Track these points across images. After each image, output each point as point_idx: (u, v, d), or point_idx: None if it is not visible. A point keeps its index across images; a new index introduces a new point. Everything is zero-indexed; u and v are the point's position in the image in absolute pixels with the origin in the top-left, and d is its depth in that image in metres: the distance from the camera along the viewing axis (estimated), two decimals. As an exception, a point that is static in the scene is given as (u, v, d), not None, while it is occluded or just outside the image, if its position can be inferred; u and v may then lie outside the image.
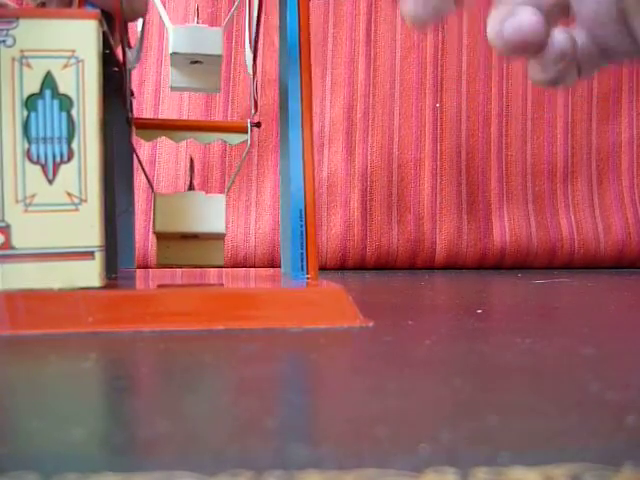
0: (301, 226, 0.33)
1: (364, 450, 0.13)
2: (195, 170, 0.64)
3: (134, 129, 0.34)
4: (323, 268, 0.65)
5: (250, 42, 0.37)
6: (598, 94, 0.71)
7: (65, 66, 0.27)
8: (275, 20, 0.35)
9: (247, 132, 0.35)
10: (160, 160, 0.65)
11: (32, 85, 0.26)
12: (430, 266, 0.67)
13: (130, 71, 0.34)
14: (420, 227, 0.66)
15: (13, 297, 0.26)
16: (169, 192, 0.63)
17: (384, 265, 0.67)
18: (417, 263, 0.67)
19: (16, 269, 0.26)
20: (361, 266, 0.66)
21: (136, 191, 0.64)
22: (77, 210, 0.27)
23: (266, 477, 0.12)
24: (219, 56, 0.34)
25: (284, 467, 0.12)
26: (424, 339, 0.25)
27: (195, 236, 0.33)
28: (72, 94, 0.27)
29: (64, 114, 0.27)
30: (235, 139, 0.35)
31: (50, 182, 0.27)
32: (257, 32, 0.36)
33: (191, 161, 0.37)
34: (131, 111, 0.35)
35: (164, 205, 0.33)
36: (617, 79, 0.71)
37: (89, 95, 0.27)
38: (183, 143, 0.65)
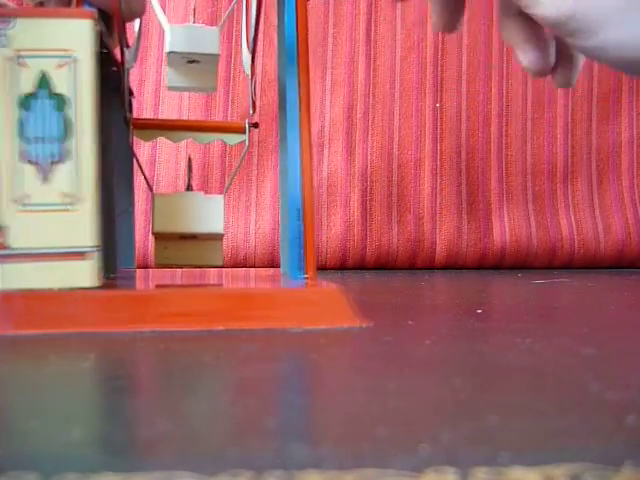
0: (299, 226, 0.33)
1: (364, 450, 0.13)
2: (193, 170, 0.64)
3: (132, 129, 0.34)
4: (323, 268, 0.65)
5: (247, 42, 0.37)
6: (598, 94, 0.71)
7: (60, 66, 0.27)
8: (275, 19, 0.35)
9: (245, 132, 0.35)
10: (160, 160, 0.65)
11: (27, 85, 0.26)
12: (430, 266, 0.67)
13: (128, 71, 0.34)
14: (420, 227, 0.66)
15: (10, 297, 0.26)
16: (168, 192, 0.63)
17: (384, 265, 0.67)
18: (417, 263, 0.67)
19: (13, 269, 0.26)
20: (361, 266, 0.66)
21: (136, 191, 0.64)
22: (72, 210, 0.27)
23: (266, 477, 0.12)
24: (216, 55, 0.34)
25: (284, 467, 0.12)
26: (424, 339, 0.25)
27: (194, 236, 0.33)
28: (67, 94, 0.27)
29: (59, 114, 0.27)
30: (234, 139, 0.35)
31: (45, 182, 0.26)
32: (256, 32, 0.36)
33: (189, 161, 0.37)
34: (130, 111, 0.35)
35: (163, 205, 0.33)
36: (617, 79, 0.71)
37: (84, 94, 0.27)
38: (183, 143, 0.65)
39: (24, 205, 0.26)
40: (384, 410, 0.16)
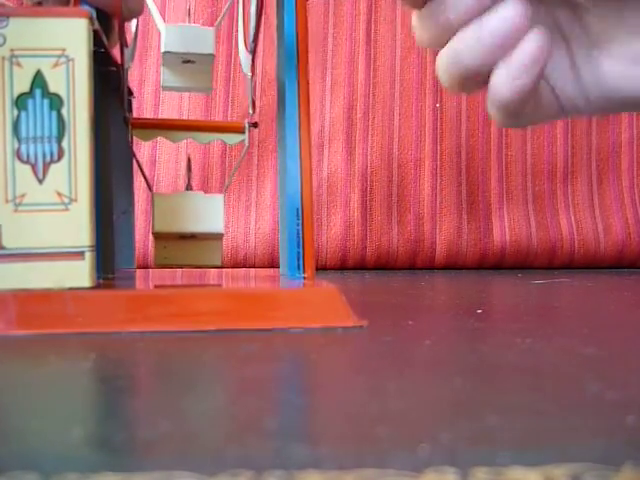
0: (298, 225, 0.33)
1: (364, 450, 0.13)
2: (193, 170, 0.64)
3: (131, 129, 0.34)
4: (323, 268, 0.65)
5: (246, 42, 0.37)
6: (598, 94, 0.71)
7: (55, 65, 0.27)
8: (275, 19, 0.35)
9: (244, 132, 0.35)
10: (160, 160, 0.65)
11: (22, 84, 0.26)
12: (430, 266, 0.67)
13: (127, 70, 0.34)
14: (420, 227, 0.66)
15: (4, 297, 0.26)
16: (167, 192, 0.63)
17: (384, 265, 0.67)
18: (417, 263, 0.67)
19: (6, 269, 0.26)
20: (361, 266, 0.66)
21: (136, 191, 0.64)
22: (67, 210, 0.27)
23: (266, 477, 0.12)
24: (211, 55, 0.34)
25: (284, 467, 0.12)
26: (424, 339, 0.25)
27: (193, 236, 0.33)
28: (62, 93, 0.27)
29: (54, 113, 0.27)
30: (233, 139, 0.35)
31: (40, 182, 0.26)
32: (257, 32, 0.36)
33: (188, 161, 0.37)
34: (130, 111, 0.35)
35: (162, 205, 0.33)
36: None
37: (79, 94, 0.27)
38: (183, 143, 0.65)
39: (19, 205, 0.26)
40: (384, 410, 0.16)
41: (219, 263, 0.34)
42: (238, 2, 0.38)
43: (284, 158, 0.33)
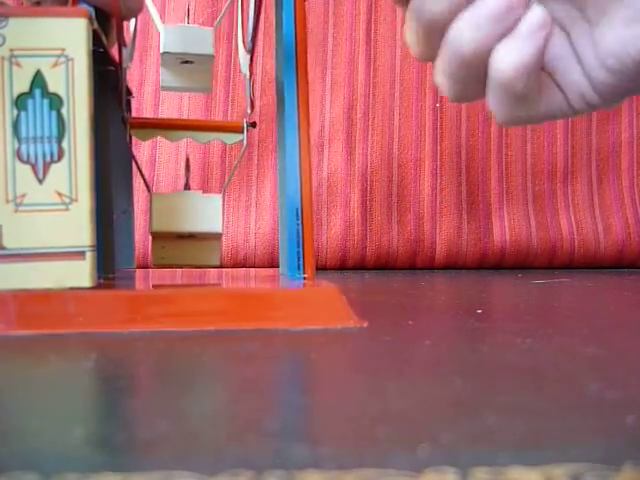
0: (297, 225, 0.33)
1: (364, 450, 0.13)
2: (193, 170, 0.64)
3: (129, 129, 0.34)
4: (323, 268, 0.65)
5: (244, 42, 0.37)
6: (598, 94, 0.71)
7: (55, 65, 0.27)
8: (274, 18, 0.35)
9: (243, 132, 0.35)
10: (160, 160, 0.65)
11: (22, 84, 0.26)
12: (430, 266, 0.67)
13: (126, 70, 0.34)
14: (420, 227, 0.66)
15: (3, 297, 0.26)
16: (166, 192, 0.63)
17: (384, 265, 0.67)
18: (417, 263, 0.67)
19: (6, 269, 0.26)
20: (361, 266, 0.66)
21: (136, 191, 0.64)
22: (67, 210, 0.27)
23: (266, 477, 0.12)
24: (210, 56, 0.34)
25: (284, 467, 0.12)
26: (424, 339, 0.25)
27: (191, 236, 0.33)
28: (62, 93, 0.27)
29: (54, 113, 0.27)
30: (232, 138, 0.35)
31: (40, 182, 0.26)
32: (255, 31, 0.36)
33: (187, 160, 0.37)
34: (129, 111, 0.35)
35: (161, 205, 0.33)
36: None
37: (79, 94, 0.27)
38: (183, 143, 0.65)
39: (19, 205, 0.26)
40: (384, 410, 0.16)
41: (218, 263, 0.34)
42: (237, 2, 0.38)
43: (284, 158, 0.33)
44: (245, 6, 0.37)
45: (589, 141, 0.71)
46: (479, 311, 0.32)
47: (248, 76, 0.36)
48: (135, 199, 0.64)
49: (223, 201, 0.33)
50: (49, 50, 0.27)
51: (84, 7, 0.28)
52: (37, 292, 0.26)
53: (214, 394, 0.18)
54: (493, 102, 0.34)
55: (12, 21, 0.26)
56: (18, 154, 0.26)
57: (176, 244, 0.33)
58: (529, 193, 0.69)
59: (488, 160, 0.68)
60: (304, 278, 0.32)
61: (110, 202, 0.35)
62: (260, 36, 0.65)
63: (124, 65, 0.33)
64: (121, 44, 0.32)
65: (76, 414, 0.16)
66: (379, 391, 0.17)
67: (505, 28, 0.31)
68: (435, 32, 0.33)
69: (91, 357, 0.22)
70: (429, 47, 0.34)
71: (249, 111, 0.36)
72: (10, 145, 0.26)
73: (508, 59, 0.31)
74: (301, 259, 0.33)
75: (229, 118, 0.65)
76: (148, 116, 0.65)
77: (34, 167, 0.26)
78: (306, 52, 0.33)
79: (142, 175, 0.36)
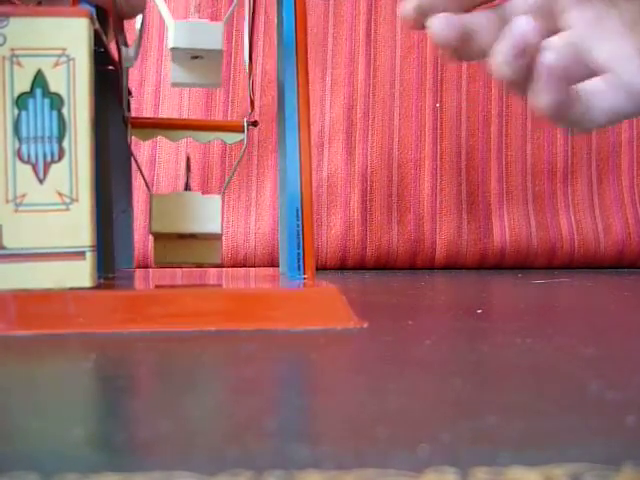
0: (298, 225, 0.33)
1: (364, 450, 0.13)
2: (193, 170, 0.64)
3: (130, 128, 0.34)
4: (323, 268, 0.65)
5: (249, 41, 0.37)
6: (598, 94, 0.71)
7: (56, 64, 0.26)
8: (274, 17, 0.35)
9: (243, 131, 0.35)
10: (160, 160, 0.65)
11: (23, 84, 0.26)
12: (430, 266, 0.67)
13: (127, 69, 0.34)
14: (420, 227, 0.66)
15: (3, 297, 0.26)
16: (166, 192, 0.63)
17: (384, 265, 0.67)
18: (417, 263, 0.67)
19: (6, 269, 0.26)
20: (361, 266, 0.66)
21: (136, 191, 0.64)
22: (68, 210, 0.26)
23: (266, 477, 0.12)
24: (220, 51, 0.34)
25: (284, 467, 0.12)
26: (424, 339, 0.25)
27: (192, 235, 0.33)
28: (63, 93, 0.27)
29: (55, 113, 0.27)
30: (232, 138, 0.35)
31: (41, 182, 0.26)
32: (252, 30, 0.35)
33: (187, 160, 0.37)
34: (129, 110, 0.35)
35: (160, 205, 0.33)
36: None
37: (80, 94, 0.27)
38: (183, 143, 0.65)
39: (19, 205, 0.26)
40: (384, 410, 0.16)
41: (219, 261, 0.34)
42: (243, 2, 0.38)
43: (284, 158, 0.33)
44: (251, 5, 0.37)
45: (589, 141, 0.71)
46: (479, 311, 0.32)
47: (249, 75, 0.36)
48: (135, 199, 0.64)
49: (223, 201, 0.34)
50: (50, 50, 0.27)
51: (85, 7, 0.28)
52: (37, 292, 0.26)
53: (214, 394, 0.18)
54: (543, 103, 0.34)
55: (13, 21, 0.26)
56: (19, 154, 0.26)
57: (177, 244, 0.33)
58: (529, 193, 0.69)
59: (488, 160, 0.68)
60: (304, 278, 0.32)
61: (110, 202, 0.35)
62: (260, 36, 0.65)
63: (128, 64, 0.33)
64: (119, 43, 0.32)
65: (76, 414, 0.16)
66: (379, 391, 0.17)
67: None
68: None
69: (91, 357, 0.22)
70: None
71: (250, 110, 0.36)
72: (10, 145, 0.26)
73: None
74: (301, 259, 0.33)
75: (229, 118, 0.65)
76: (148, 116, 0.65)
77: (34, 167, 0.26)
78: (306, 52, 0.33)
79: (142, 175, 0.36)
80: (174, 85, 0.35)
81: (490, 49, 0.34)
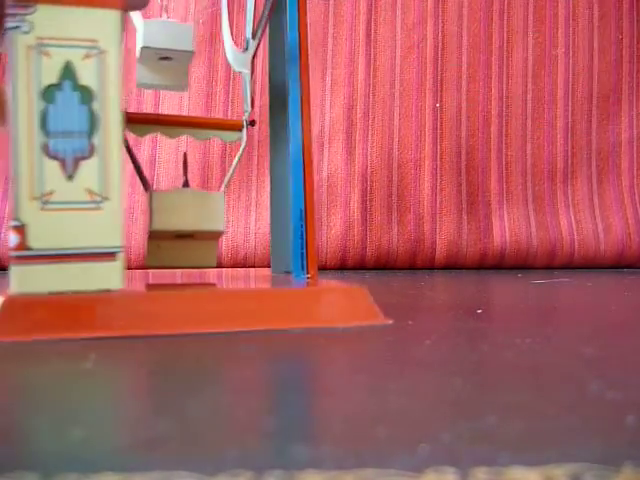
0: (302, 226, 0.33)
1: (364, 450, 0.13)
2: (192, 169, 0.64)
3: (127, 124, 0.34)
4: (323, 268, 0.65)
5: (236, 40, 0.37)
6: (598, 94, 0.71)
7: (86, 57, 0.25)
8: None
9: (242, 129, 0.35)
10: (160, 160, 0.66)
11: (50, 75, 0.25)
12: (430, 266, 0.67)
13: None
14: (420, 227, 0.66)
15: (31, 301, 0.24)
16: (166, 189, 0.63)
17: (384, 265, 0.67)
18: (417, 263, 0.67)
19: (33, 271, 0.25)
20: (361, 266, 0.66)
21: (136, 192, 0.64)
22: (99, 209, 0.25)
23: (266, 477, 0.12)
24: (190, 52, 0.33)
25: (284, 467, 0.12)
26: (424, 339, 0.25)
27: (190, 235, 0.32)
28: (93, 86, 0.25)
29: (84, 107, 0.25)
30: (230, 136, 0.35)
31: (69, 178, 0.25)
32: (258, 28, 0.35)
33: (184, 157, 0.36)
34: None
35: (161, 203, 0.32)
36: (617, 79, 0.71)
37: (111, 88, 0.26)
38: (183, 143, 0.65)
39: (47, 203, 0.25)
40: (384, 410, 0.16)
41: (214, 264, 0.34)
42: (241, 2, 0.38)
43: (277, 158, 0.34)
44: (231, 3, 0.36)
45: (589, 141, 0.71)
46: (479, 311, 0.32)
47: (249, 74, 0.36)
48: (135, 199, 0.64)
49: (224, 198, 0.33)
50: (80, 41, 0.25)
51: None
52: (65, 295, 0.25)
53: (216, 394, 0.18)
54: None
55: (41, 8, 0.25)
56: (46, 149, 0.25)
57: (172, 244, 0.32)
58: (529, 193, 0.69)
59: (488, 160, 0.68)
60: (307, 277, 0.33)
61: None
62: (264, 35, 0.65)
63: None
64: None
65: (76, 414, 0.16)
66: (379, 391, 0.17)
67: None
68: None
69: (91, 357, 0.22)
70: None
71: (249, 109, 0.36)
72: (37, 139, 0.25)
73: None
74: (305, 259, 0.33)
75: (229, 118, 0.65)
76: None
77: (63, 163, 0.25)
78: (307, 56, 0.33)
79: (140, 176, 0.36)
80: (140, 86, 0.34)
81: None
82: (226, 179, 0.33)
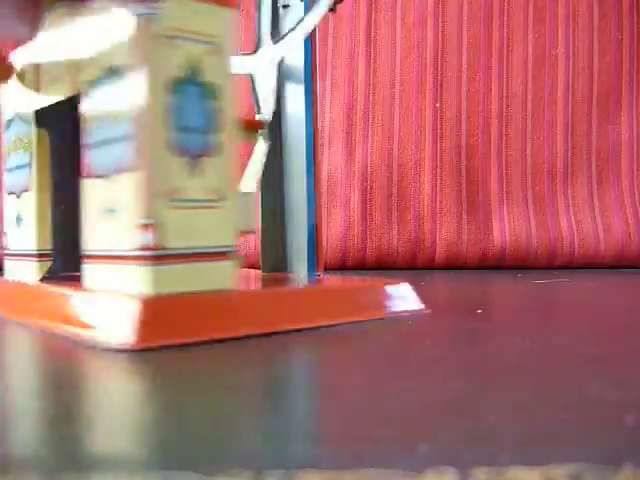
0: (313, 227, 0.34)
1: (364, 450, 0.13)
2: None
3: None
4: (323, 268, 0.65)
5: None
6: (598, 94, 0.71)
7: (210, 52, 0.24)
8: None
9: (262, 129, 0.35)
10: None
11: (177, 68, 0.24)
12: (430, 266, 0.67)
13: None
14: (420, 227, 0.66)
15: (175, 302, 0.24)
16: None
17: (384, 265, 0.67)
18: (417, 263, 0.67)
19: (168, 271, 0.24)
20: (361, 266, 0.66)
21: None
22: (216, 208, 0.25)
23: (266, 477, 0.12)
24: None
25: (284, 467, 0.12)
26: (424, 339, 0.25)
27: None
28: (217, 83, 0.25)
29: (208, 103, 0.24)
30: (248, 136, 0.35)
31: (193, 176, 0.24)
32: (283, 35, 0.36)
33: None
34: None
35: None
36: (617, 79, 0.71)
37: (230, 86, 0.25)
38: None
39: (174, 200, 0.24)
40: (384, 410, 0.16)
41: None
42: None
43: (268, 158, 0.34)
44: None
45: (589, 141, 0.71)
46: (479, 311, 0.32)
47: (260, 75, 0.37)
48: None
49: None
50: (205, 36, 0.24)
51: None
52: (195, 296, 0.24)
53: (218, 394, 0.18)
54: None
55: None
56: (172, 144, 0.24)
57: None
58: (529, 193, 0.69)
59: (488, 160, 0.68)
60: (318, 275, 0.34)
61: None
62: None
63: None
64: None
65: (76, 414, 0.16)
66: (379, 391, 0.17)
67: None
68: None
69: (92, 358, 0.22)
70: None
71: (265, 109, 0.36)
72: (164, 134, 0.24)
73: None
74: (315, 258, 0.34)
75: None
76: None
77: (189, 160, 0.24)
78: (316, 69, 0.35)
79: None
80: None
81: None
82: (255, 178, 0.33)
